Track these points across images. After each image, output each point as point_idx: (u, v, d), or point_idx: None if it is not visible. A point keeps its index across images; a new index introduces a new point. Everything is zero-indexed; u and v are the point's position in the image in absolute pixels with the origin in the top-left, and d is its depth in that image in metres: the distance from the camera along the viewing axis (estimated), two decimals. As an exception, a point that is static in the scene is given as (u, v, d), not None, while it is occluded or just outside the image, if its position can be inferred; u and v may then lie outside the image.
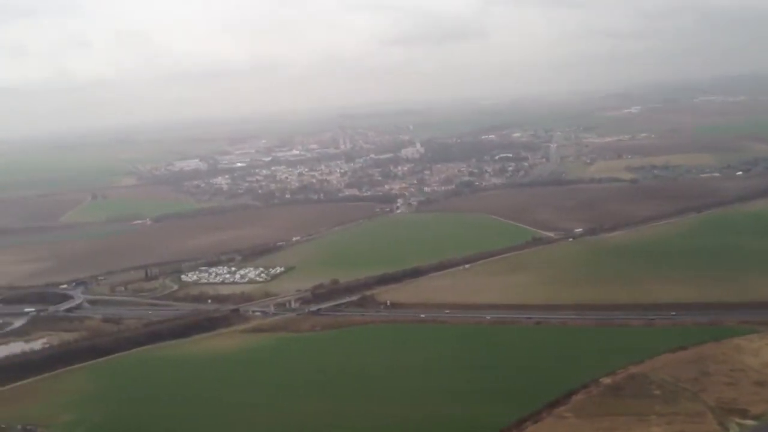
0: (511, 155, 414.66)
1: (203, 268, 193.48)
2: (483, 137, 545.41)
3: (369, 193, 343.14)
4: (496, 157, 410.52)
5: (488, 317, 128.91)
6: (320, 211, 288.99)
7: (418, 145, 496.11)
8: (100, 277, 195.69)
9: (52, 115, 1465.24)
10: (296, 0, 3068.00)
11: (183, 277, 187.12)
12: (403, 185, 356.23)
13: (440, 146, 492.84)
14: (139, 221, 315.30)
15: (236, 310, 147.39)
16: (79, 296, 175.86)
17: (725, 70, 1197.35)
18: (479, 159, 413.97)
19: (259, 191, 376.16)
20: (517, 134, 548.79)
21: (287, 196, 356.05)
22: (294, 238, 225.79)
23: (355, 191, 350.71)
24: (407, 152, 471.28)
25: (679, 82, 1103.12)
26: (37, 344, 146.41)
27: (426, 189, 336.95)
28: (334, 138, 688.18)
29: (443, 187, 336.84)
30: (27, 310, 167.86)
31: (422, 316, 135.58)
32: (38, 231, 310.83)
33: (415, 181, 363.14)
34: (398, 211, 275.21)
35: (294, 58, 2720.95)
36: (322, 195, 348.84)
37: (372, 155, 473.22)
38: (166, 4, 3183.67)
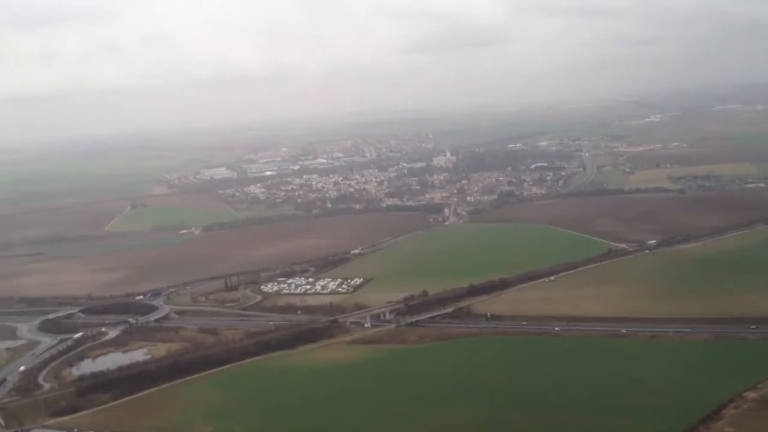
0: (546, 164, 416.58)
1: (281, 278, 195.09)
2: (510, 146, 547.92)
3: (411, 202, 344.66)
4: (532, 167, 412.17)
5: (597, 329, 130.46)
6: (371, 221, 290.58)
7: (449, 154, 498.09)
8: (171, 288, 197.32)
9: (68, 121, 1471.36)
10: (316, 7, 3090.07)
11: (263, 287, 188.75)
12: (444, 194, 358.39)
13: (471, 155, 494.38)
14: (185, 230, 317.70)
15: (335, 321, 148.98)
16: (164, 306, 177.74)
17: (740, 78, 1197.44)
18: (514, 168, 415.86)
19: (298, 200, 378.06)
20: (543, 143, 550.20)
21: (328, 205, 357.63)
22: (358, 249, 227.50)
23: (396, 201, 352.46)
24: (439, 161, 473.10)
25: (694, 90, 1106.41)
26: (138, 354, 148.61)
27: (468, 198, 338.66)
28: (356, 146, 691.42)
29: (485, 197, 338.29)
30: (129, 320, 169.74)
31: (527, 327, 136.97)
32: (89, 239, 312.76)
33: (455, 191, 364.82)
34: (450, 222, 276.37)
35: (311, 65, 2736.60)
36: (363, 204, 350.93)
37: (404, 164, 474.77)
38: (183, 11, 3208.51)
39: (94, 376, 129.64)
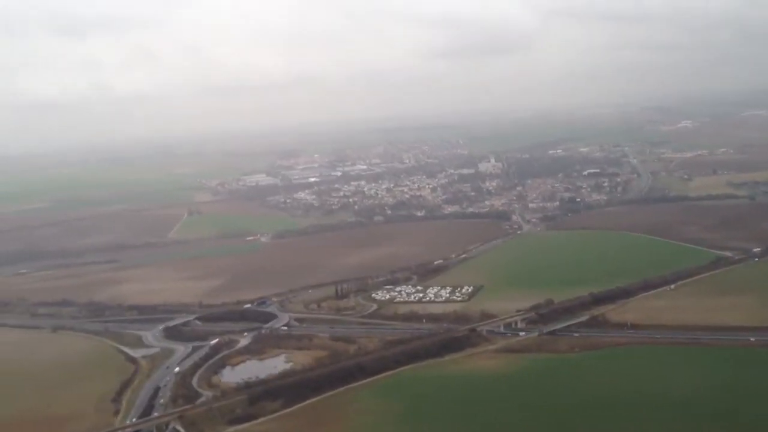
0: (598, 170, 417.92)
1: (387, 286, 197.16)
2: (551, 152, 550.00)
3: (471, 209, 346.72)
4: (584, 173, 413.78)
5: (752, 339, 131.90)
6: (442, 229, 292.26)
7: (493, 160, 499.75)
8: (275, 297, 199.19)
9: (84, 128, 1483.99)
10: (339, 14, 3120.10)
11: (373, 295, 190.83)
12: (503, 201, 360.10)
13: (515, 161, 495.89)
14: (251, 238, 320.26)
15: (473, 330, 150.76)
16: (283, 314, 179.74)
17: (758, 83, 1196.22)
18: (566, 174, 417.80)
19: (355, 207, 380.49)
20: (584, 149, 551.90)
21: (387, 212, 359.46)
22: (452, 255, 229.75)
23: (456, 208, 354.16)
24: (485, 167, 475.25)
25: (714, 96, 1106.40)
26: (277, 362, 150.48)
27: (530, 205, 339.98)
28: (388, 152, 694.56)
29: (547, 204, 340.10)
30: (260, 328, 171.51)
31: (676, 336, 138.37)
32: (156, 247, 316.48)
33: (514, 197, 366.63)
34: (525, 229, 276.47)
35: (332, 72, 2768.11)
36: (423, 212, 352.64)
37: (451, 170, 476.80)
38: (205, 21, 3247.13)
39: (262, 383, 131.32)
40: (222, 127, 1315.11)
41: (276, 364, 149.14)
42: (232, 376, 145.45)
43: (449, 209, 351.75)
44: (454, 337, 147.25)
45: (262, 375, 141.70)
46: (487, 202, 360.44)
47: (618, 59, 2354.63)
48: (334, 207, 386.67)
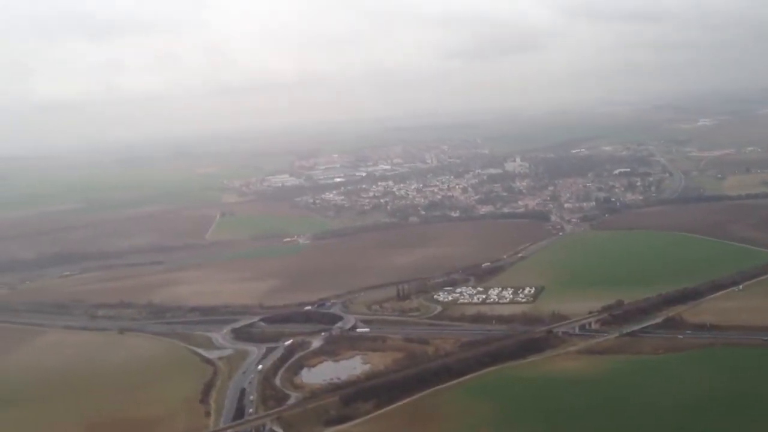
0: (629, 170, 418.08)
1: (448, 288, 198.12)
2: (574, 151, 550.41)
3: (506, 209, 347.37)
4: (615, 172, 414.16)
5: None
6: (484, 229, 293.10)
7: (518, 160, 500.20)
8: (334, 299, 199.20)
9: (98, 128, 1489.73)
10: (353, 14, 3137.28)
11: (435, 296, 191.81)
12: (537, 201, 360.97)
13: (541, 161, 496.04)
14: (288, 239, 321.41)
15: (550, 332, 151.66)
16: (349, 316, 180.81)
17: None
18: (596, 174, 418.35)
19: (388, 208, 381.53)
20: (607, 147, 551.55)
21: (421, 212, 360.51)
22: (503, 257, 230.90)
23: (490, 208, 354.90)
24: (512, 167, 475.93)
25: (726, 94, 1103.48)
26: (354, 363, 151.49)
27: (566, 205, 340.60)
28: (407, 152, 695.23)
29: (583, 204, 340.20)
30: (330, 329, 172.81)
31: (753, 338, 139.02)
32: (196, 248, 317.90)
33: (548, 197, 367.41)
34: (569, 229, 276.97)
35: (345, 72, 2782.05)
36: (458, 212, 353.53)
37: (478, 170, 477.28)
38: (216, 21, 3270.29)
39: (352, 384, 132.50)
40: (233, 127, 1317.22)
41: (354, 366, 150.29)
42: (312, 377, 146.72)
43: (483, 209, 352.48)
44: (531, 338, 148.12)
45: (343, 376, 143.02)
46: (520, 202, 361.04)
47: (627, 58, 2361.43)
48: (365, 208, 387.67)
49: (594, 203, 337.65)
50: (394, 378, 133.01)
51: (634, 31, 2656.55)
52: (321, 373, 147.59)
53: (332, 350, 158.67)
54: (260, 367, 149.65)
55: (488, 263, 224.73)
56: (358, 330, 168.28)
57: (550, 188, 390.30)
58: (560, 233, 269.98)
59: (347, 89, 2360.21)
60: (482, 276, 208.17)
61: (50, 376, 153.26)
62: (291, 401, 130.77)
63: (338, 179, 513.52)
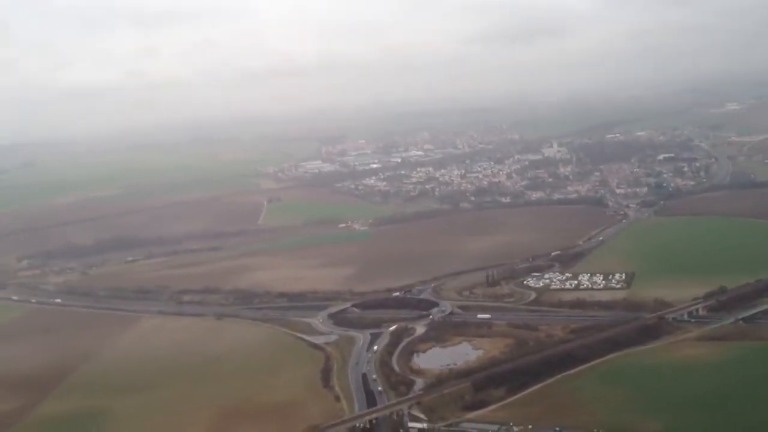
0: (673, 155, 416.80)
1: (536, 273, 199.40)
2: (609, 136, 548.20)
3: (557, 195, 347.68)
4: (659, 158, 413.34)
5: None
6: (547, 215, 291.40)
7: (556, 145, 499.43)
8: (419, 286, 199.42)
9: (119, 114, 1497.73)
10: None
11: (526, 282, 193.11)
12: (587, 187, 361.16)
13: (580, 146, 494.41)
14: (343, 225, 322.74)
15: (661, 318, 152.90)
16: (444, 302, 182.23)
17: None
18: (640, 159, 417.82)
19: (436, 193, 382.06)
20: (641, 133, 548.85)
21: (471, 198, 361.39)
22: (578, 243, 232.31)
23: (541, 194, 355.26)
24: (550, 152, 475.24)
25: (747, 77, 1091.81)
26: (463, 349, 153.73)
27: (618, 191, 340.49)
28: (435, 137, 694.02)
29: (635, 189, 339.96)
30: (431, 315, 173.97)
31: None
32: (251, 234, 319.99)
33: (597, 183, 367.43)
34: (633, 215, 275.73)
35: (366, 57, 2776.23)
36: (508, 198, 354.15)
37: (518, 156, 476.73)
38: (238, 6, 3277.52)
39: (482, 370, 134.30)
40: (252, 113, 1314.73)
41: (465, 351, 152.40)
42: (426, 362, 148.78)
43: (534, 196, 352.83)
44: (645, 325, 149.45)
45: (459, 362, 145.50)
46: (570, 188, 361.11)
47: (644, 43, 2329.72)
48: (412, 194, 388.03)
49: (646, 189, 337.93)
50: (520, 364, 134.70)
51: (648, 16, 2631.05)
52: (434, 359, 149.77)
53: (438, 336, 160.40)
54: (375, 350, 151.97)
55: (565, 250, 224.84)
56: (478, 316, 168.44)
57: (596, 174, 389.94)
58: (623, 220, 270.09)
59: (367, 74, 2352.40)
60: (566, 262, 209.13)
61: (166, 363, 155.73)
62: (419, 386, 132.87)
63: (374, 165, 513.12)
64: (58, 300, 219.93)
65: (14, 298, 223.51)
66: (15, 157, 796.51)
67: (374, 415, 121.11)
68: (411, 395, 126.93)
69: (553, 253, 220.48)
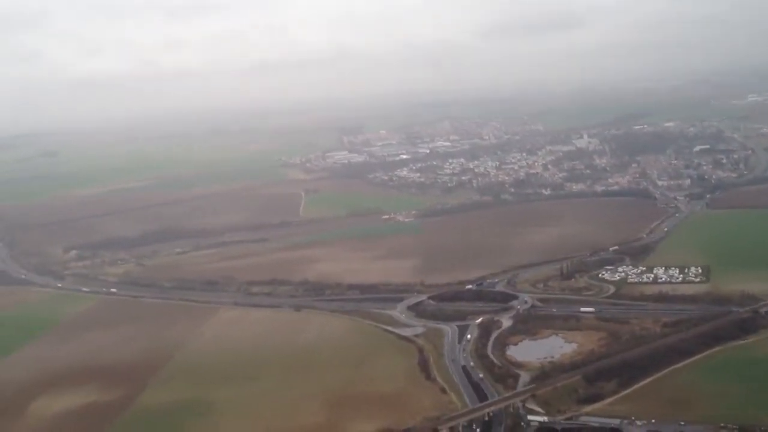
0: (708, 147, 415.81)
1: (608, 267, 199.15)
2: (637, 127, 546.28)
3: (598, 187, 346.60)
4: (695, 150, 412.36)
5: None
6: (590, 208, 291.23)
7: (586, 137, 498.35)
8: (489, 279, 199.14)
9: (132, 104, 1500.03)
10: None
11: (601, 275, 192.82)
12: (627, 178, 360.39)
13: (611, 138, 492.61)
14: (386, 216, 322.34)
15: (756, 311, 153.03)
16: (522, 294, 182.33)
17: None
18: (676, 151, 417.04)
19: (474, 185, 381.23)
20: (669, 124, 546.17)
21: (511, 190, 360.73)
22: (643, 234, 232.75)
23: (581, 186, 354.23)
24: (582, 143, 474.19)
25: (759, 69, 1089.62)
26: (555, 342, 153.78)
27: (660, 183, 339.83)
28: (458, 128, 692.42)
29: (677, 181, 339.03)
30: (516, 308, 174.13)
31: None
32: (294, 225, 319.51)
33: (637, 174, 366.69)
34: (686, 209, 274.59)
35: (378, 48, 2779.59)
36: (549, 190, 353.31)
37: (549, 147, 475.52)
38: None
39: (591, 363, 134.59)
40: (265, 103, 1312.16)
41: (558, 344, 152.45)
42: (522, 354, 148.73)
43: (575, 187, 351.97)
44: (741, 318, 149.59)
45: (555, 355, 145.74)
46: (610, 180, 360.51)
47: (655, 34, 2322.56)
48: (449, 185, 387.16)
49: (689, 181, 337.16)
50: (626, 358, 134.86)
51: (662, 6, 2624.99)
52: (528, 352, 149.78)
53: (527, 329, 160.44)
54: (467, 342, 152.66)
55: (629, 243, 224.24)
56: (582, 310, 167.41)
57: (633, 165, 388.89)
58: (676, 213, 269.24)
59: (382, 65, 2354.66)
60: (636, 255, 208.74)
61: (259, 354, 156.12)
62: (524, 379, 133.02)
63: (403, 156, 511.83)
64: (125, 291, 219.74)
65: (85, 289, 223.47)
66: (35, 146, 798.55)
67: (492, 408, 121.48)
68: (525, 388, 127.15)
69: (617, 246, 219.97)
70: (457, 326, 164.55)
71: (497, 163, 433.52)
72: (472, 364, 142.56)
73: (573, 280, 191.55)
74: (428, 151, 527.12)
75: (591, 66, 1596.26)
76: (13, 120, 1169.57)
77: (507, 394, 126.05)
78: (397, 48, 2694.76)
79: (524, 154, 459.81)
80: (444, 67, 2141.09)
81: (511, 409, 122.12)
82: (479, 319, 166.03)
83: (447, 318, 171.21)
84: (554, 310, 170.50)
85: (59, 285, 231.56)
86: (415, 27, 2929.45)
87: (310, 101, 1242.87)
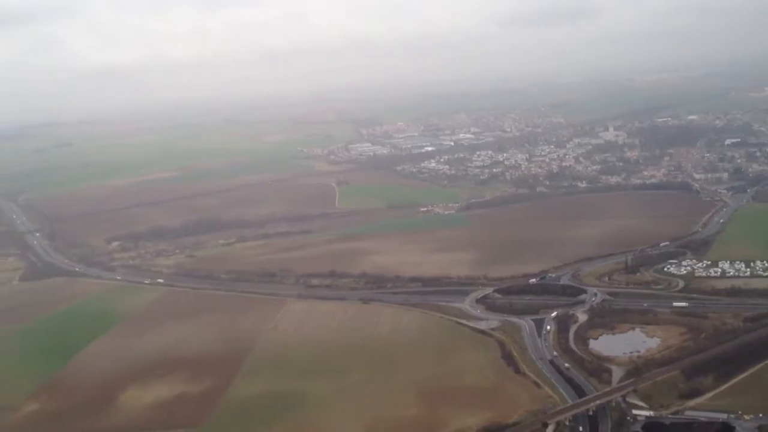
0: (738, 139, 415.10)
1: (672, 261, 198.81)
2: (660, 120, 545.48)
3: (635, 180, 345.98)
4: (727, 143, 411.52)
5: None
6: (632, 201, 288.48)
7: (611, 129, 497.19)
8: (549, 271, 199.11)
9: (141, 93, 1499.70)
10: None
11: (666, 269, 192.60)
12: (663, 171, 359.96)
13: (637, 130, 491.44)
14: (425, 209, 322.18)
15: None
16: (591, 288, 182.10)
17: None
18: (707, 144, 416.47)
19: (507, 177, 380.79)
20: (692, 117, 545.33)
21: (546, 183, 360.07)
22: (697, 228, 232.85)
23: (617, 179, 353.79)
24: (610, 136, 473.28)
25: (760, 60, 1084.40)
26: (638, 336, 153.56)
27: (696, 176, 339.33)
28: (479, 120, 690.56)
29: (714, 175, 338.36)
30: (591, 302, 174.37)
31: None
32: (336, 217, 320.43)
33: (672, 168, 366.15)
34: (732, 203, 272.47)
35: (387, 37, 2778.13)
36: (585, 183, 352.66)
37: (576, 140, 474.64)
38: None
39: (687, 357, 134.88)
40: (274, 92, 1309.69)
41: (640, 339, 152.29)
42: (605, 348, 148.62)
43: (612, 180, 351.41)
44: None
45: (640, 349, 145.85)
46: (645, 173, 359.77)
47: (665, 24, 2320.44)
48: (481, 177, 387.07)
49: (726, 174, 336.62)
50: (720, 352, 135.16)
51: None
52: (611, 346, 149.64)
53: (604, 323, 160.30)
54: (547, 336, 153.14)
55: (685, 237, 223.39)
56: (674, 304, 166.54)
57: (666, 159, 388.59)
58: (724, 207, 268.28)
59: (393, 54, 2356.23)
60: (696, 249, 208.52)
61: (339, 346, 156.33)
62: (617, 374, 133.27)
63: (428, 148, 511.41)
64: (183, 283, 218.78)
65: (146, 282, 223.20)
66: (48, 137, 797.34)
67: (597, 402, 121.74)
68: (625, 383, 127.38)
69: (674, 240, 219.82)
70: (532, 320, 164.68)
71: (527, 155, 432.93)
72: (560, 358, 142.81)
73: (638, 274, 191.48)
74: (452, 144, 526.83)
75: (604, 56, 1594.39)
76: (26, 110, 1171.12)
77: (607, 389, 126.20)
78: (409, 38, 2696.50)
79: (552, 146, 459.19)
80: (458, 57, 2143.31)
81: (613, 404, 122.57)
82: (554, 313, 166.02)
83: (519, 311, 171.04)
84: (629, 304, 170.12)
85: (118, 278, 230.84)
86: (431, 16, 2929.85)
87: (321, 92, 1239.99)
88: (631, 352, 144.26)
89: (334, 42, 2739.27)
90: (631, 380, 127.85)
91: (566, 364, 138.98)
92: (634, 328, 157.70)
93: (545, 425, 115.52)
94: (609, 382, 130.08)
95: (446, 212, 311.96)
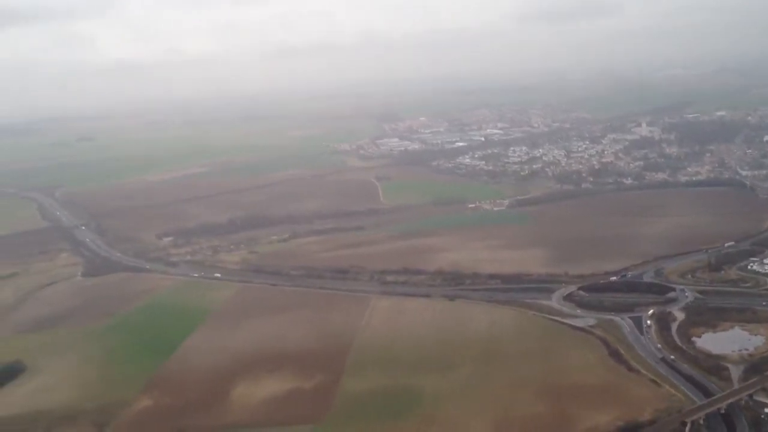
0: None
1: (753, 259, 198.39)
2: (690, 116, 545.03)
3: (681, 177, 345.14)
4: (766, 139, 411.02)
5: None
6: (693, 197, 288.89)
7: (644, 125, 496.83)
8: (627, 271, 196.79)
9: (156, 89, 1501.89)
10: None
11: (750, 267, 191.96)
12: (707, 168, 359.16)
13: (670, 126, 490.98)
14: (472, 205, 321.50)
15: None
16: (680, 287, 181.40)
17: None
18: (746, 140, 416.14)
19: (549, 173, 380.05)
20: (721, 113, 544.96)
21: (590, 179, 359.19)
22: (765, 226, 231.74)
23: (663, 176, 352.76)
24: (645, 132, 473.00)
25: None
26: (740, 334, 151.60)
27: (743, 173, 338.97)
28: (498, 115, 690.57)
29: (760, 171, 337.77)
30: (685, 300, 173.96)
31: None
32: (384, 213, 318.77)
33: (716, 164, 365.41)
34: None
35: (400, 32, 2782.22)
36: (629, 179, 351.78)
37: (611, 135, 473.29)
38: None
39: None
40: (290, 88, 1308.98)
41: (745, 337, 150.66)
42: (713, 347, 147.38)
43: (658, 177, 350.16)
44: None
45: (748, 347, 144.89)
46: (689, 169, 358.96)
47: (676, 21, 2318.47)
48: (522, 173, 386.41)
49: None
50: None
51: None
52: (717, 344, 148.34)
53: (704, 321, 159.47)
54: (649, 334, 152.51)
55: (757, 234, 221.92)
56: None
57: (707, 155, 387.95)
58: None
59: (404, 50, 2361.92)
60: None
61: (440, 341, 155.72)
62: (735, 372, 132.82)
63: (459, 144, 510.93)
64: (256, 279, 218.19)
65: (217, 275, 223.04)
66: (69, 131, 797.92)
67: (729, 401, 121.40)
68: (752, 380, 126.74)
69: (746, 238, 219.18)
70: (629, 318, 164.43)
71: (564, 151, 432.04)
72: (672, 356, 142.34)
73: (723, 272, 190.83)
74: (483, 139, 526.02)
75: (618, 52, 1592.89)
76: (43, 105, 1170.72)
77: (734, 387, 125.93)
78: (424, 33, 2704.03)
79: (587, 142, 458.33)
80: (474, 53, 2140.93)
81: (742, 403, 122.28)
82: (650, 311, 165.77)
83: (612, 309, 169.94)
84: (723, 302, 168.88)
85: (195, 275, 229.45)
86: (448, 12, 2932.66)
87: (336, 87, 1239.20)
88: (740, 350, 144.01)
89: (350, 38, 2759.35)
90: (756, 378, 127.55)
91: (683, 364, 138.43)
92: (734, 327, 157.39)
93: (684, 424, 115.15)
94: (729, 380, 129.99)
95: (496, 209, 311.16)
